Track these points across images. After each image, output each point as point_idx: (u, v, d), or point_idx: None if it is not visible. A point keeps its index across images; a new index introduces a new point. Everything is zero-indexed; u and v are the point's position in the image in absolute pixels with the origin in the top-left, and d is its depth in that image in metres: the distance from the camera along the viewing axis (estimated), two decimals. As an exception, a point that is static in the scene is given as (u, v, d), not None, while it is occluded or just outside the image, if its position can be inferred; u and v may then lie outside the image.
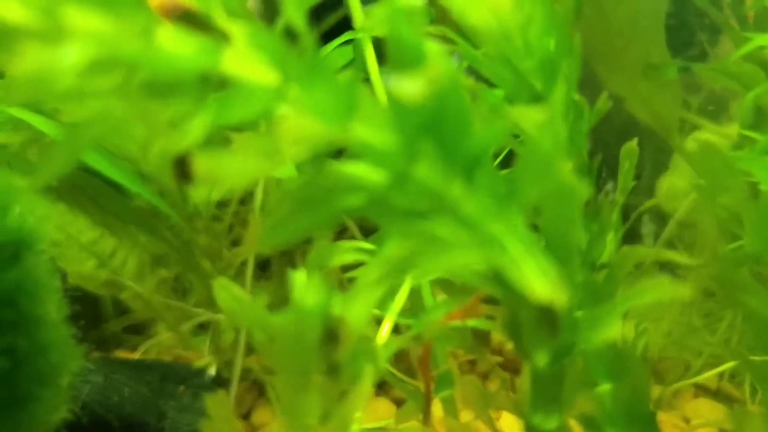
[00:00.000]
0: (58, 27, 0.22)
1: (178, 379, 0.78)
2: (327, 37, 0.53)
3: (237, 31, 0.23)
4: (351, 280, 0.26)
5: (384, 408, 0.84)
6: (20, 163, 0.77)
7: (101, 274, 0.87)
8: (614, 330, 0.26)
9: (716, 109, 0.90)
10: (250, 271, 0.82)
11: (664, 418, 0.79)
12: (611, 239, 0.31)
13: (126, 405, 0.70)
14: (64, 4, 0.22)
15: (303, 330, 0.29)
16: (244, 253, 0.89)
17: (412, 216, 0.25)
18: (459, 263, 0.25)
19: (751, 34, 0.53)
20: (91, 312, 1.03)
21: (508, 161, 0.27)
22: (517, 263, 0.24)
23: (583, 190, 0.27)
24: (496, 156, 0.27)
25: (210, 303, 0.89)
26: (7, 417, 0.40)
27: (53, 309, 0.40)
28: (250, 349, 0.88)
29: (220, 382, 0.84)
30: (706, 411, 0.82)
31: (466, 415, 0.55)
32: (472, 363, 0.94)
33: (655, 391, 0.84)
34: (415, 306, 0.41)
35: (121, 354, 1.05)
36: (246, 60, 0.23)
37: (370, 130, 0.24)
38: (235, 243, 0.92)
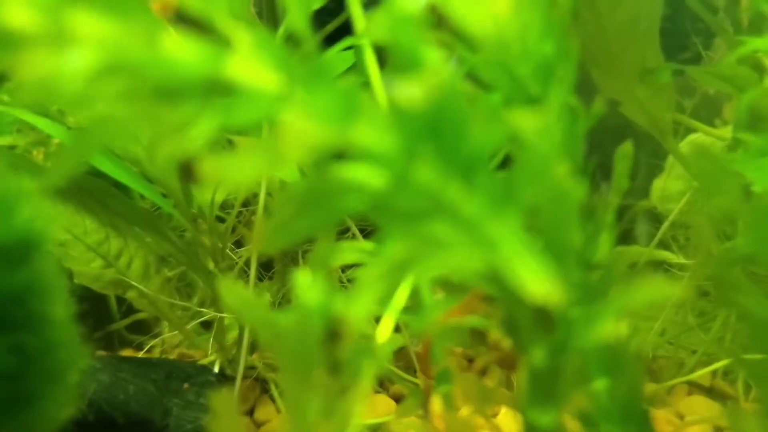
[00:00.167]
0: (65, 32, 0.22)
1: (183, 377, 0.79)
2: (329, 41, 0.53)
3: (241, 36, 0.24)
4: (351, 280, 0.26)
5: (384, 404, 0.84)
6: (27, 164, 0.78)
7: (107, 274, 0.88)
8: (608, 327, 0.27)
9: (710, 112, 0.91)
10: (253, 270, 0.83)
11: (658, 414, 0.80)
12: (606, 239, 0.32)
13: (131, 402, 0.71)
14: (71, 10, 0.22)
15: (305, 328, 0.30)
16: (247, 253, 0.89)
17: (412, 217, 0.25)
18: (457, 263, 0.25)
19: (745, 38, 0.54)
20: (97, 311, 1.04)
21: (505, 164, 0.28)
22: (513, 263, 0.24)
23: (579, 191, 0.28)
24: (493, 158, 0.28)
25: (214, 302, 0.90)
26: (15, 414, 0.40)
27: (61, 308, 0.41)
28: (253, 347, 0.88)
29: (224, 379, 0.85)
30: (700, 408, 0.83)
31: (464, 411, 0.55)
32: (470, 360, 0.94)
33: (650, 388, 0.85)
34: (414, 304, 0.41)
35: (127, 352, 1.06)
36: (250, 65, 0.24)
37: (370, 134, 0.24)
38: (239, 243, 0.93)
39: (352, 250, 0.38)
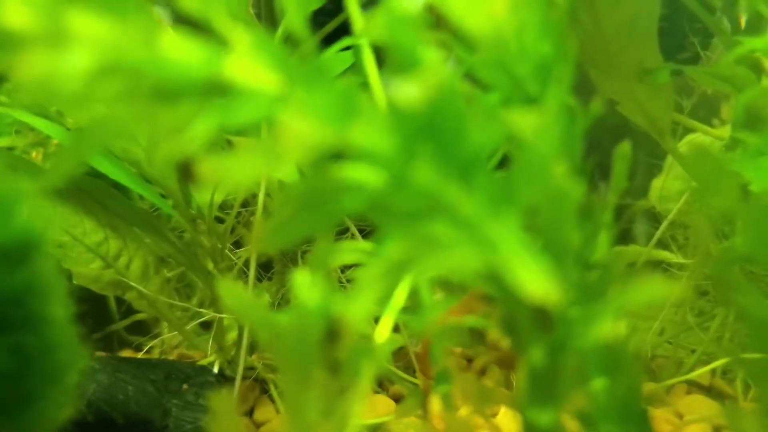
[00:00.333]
0: (63, 32, 0.22)
1: (182, 378, 0.79)
2: (327, 42, 0.53)
3: (239, 36, 0.24)
4: (351, 280, 0.26)
5: (384, 404, 0.85)
6: (26, 165, 0.78)
7: (106, 275, 0.88)
8: (607, 327, 0.27)
9: (709, 112, 0.91)
10: (252, 271, 0.83)
11: (657, 414, 0.80)
12: (604, 239, 0.32)
13: (131, 403, 0.71)
14: (69, 10, 0.22)
15: (305, 329, 0.30)
16: (246, 253, 0.89)
17: (411, 217, 0.25)
18: (456, 263, 0.25)
19: (743, 38, 0.54)
20: (96, 312, 1.04)
21: (504, 164, 0.28)
22: (512, 263, 0.24)
23: (577, 191, 0.28)
24: (492, 158, 0.28)
25: (213, 303, 0.90)
26: (14, 414, 0.40)
27: (60, 309, 0.41)
28: (252, 348, 0.88)
29: (224, 380, 0.85)
30: (699, 407, 0.83)
31: (464, 411, 0.55)
32: (470, 360, 0.95)
33: (649, 387, 0.85)
34: (414, 304, 0.41)
35: (126, 353, 1.06)
36: (248, 65, 0.24)
37: (369, 134, 0.24)
38: (238, 244, 0.93)
39: (351, 250, 0.38)
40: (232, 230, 0.91)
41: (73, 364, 0.42)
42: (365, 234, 0.88)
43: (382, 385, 0.90)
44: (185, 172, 0.23)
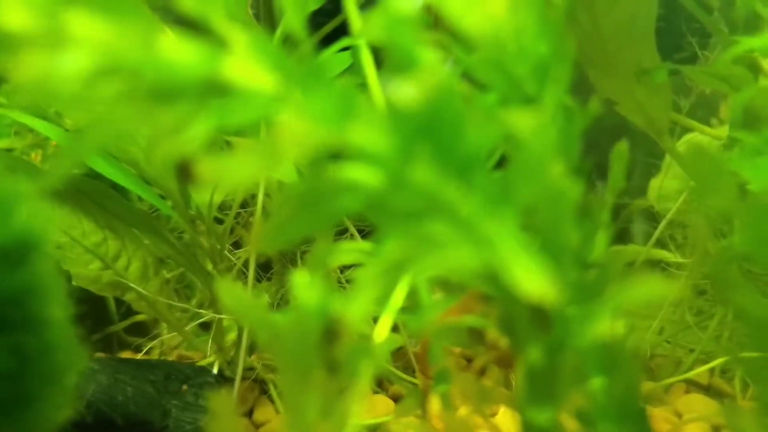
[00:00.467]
0: (61, 34, 0.22)
1: (182, 378, 0.79)
2: (326, 42, 0.53)
3: (237, 37, 0.24)
4: (350, 280, 0.26)
5: (383, 404, 0.85)
6: (25, 167, 0.78)
7: (105, 276, 0.88)
8: (604, 326, 0.27)
9: (707, 112, 0.91)
10: (252, 271, 0.83)
11: (656, 413, 0.80)
12: (602, 238, 0.32)
13: (130, 404, 0.71)
14: (67, 11, 0.22)
15: (304, 329, 0.30)
16: (246, 254, 0.89)
17: (409, 217, 0.25)
18: (454, 262, 0.26)
19: (740, 37, 0.54)
20: (95, 313, 1.04)
21: (502, 164, 0.28)
22: (510, 262, 0.24)
23: (575, 191, 0.28)
24: (490, 158, 0.28)
25: (213, 303, 0.90)
26: (13, 416, 0.40)
27: (59, 310, 0.41)
28: (252, 348, 0.88)
29: (223, 380, 0.85)
30: (698, 406, 0.83)
31: (463, 411, 0.55)
32: (469, 359, 0.95)
33: (648, 387, 0.85)
34: (412, 304, 0.42)
35: (126, 354, 1.06)
36: (246, 66, 0.24)
37: (367, 134, 0.24)
38: (237, 244, 0.93)
39: (350, 250, 0.38)
40: (231, 231, 0.91)
41: (72, 365, 0.42)
42: (364, 234, 0.88)
43: (381, 385, 0.90)
44: (184, 172, 0.23)
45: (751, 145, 0.41)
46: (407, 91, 0.24)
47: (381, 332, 0.38)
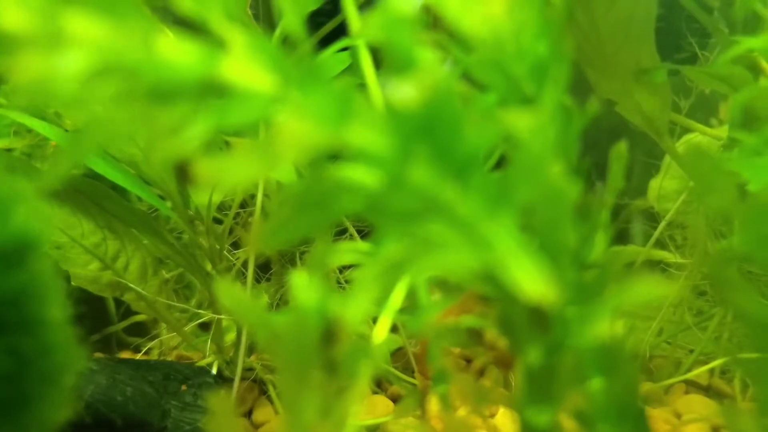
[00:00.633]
0: (60, 34, 0.22)
1: (181, 379, 0.79)
2: (325, 42, 0.53)
3: (235, 38, 0.24)
4: (350, 281, 0.26)
5: (383, 404, 0.85)
6: (24, 167, 0.78)
7: (105, 277, 0.88)
8: (603, 327, 0.27)
9: (707, 112, 0.91)
10: (251, 272, 0.83)
11: (656, 413, 0.80)
12: (601, 239, 0.32)
13: (129, 404, 0.71)
14: (66, 12, 0.22)
15: (302, 329, 0.30)
16: (245, 254, 0.89)
17: (407, 217, 0.25)
18: (453, 263, 0.26)
19: (740, 38, 0.54)
20: (95, 314, 1.04)
21: (500, 164, 0.28)
22: (508, 263, 0.24)
23: (573, 191, 0.28)
24: (489, 159, 0.28)
25: (212, 304, 0.90)
26: (12, 417, 0.40)
27: (57, 311, 0.41)
28: (251, 349, 0.88)
29: (222, 381, 0.85)
30: (698, 407, 0.83)
31: (463, 411, 0.55)
32: (469, 360, 0.95)
33: (648, 387, 0.85)
34: (411, 305, 0.42)
35: (125, 354, 1.06)
36: (244, 66, 0.24)
37: (365, 135, 0.24)
38: (236, 245, 0.93)
39: (349, 250, 0.38)
40: (231, 231, 0.91)
41: (70, 366, 0.41)
42: (364, 234, 0.88)
43: (380, 385, 0.90)
44: (183, 173, 0.23)
45: (750, 145, 0.41)
46: (406, 92, 0.24)
47: (380, 333, 0.38)
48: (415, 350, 0.88)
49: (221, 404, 0.33)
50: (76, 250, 0.86)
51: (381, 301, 0.37)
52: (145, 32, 0.23)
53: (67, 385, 0.42)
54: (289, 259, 0.96)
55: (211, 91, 0.24)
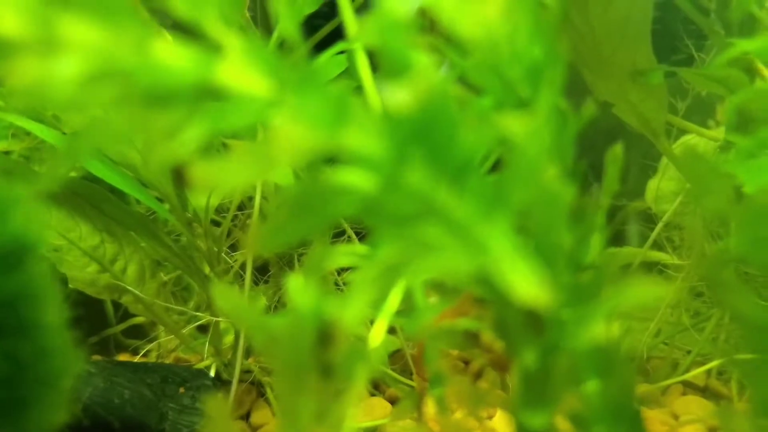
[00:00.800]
0: (55, 39, 0.22)
1: (179, 381, 0.79)
2: (322, 45, 0.54)
3: (231, 42, 0.24)
4: (348, 283, 0.26)
5: (380, 407, 0.85)
6: (22, 170, 0.78)
7: (102, 279, 0.88)
8: (599, 329, 0.27)
9: (703, 114, 0.91)
10: (249, 274, 0.83)
11: (653, 415, 0.80)
12: (597, 240, 0.32)
13: (127, 407, 0.71)
14: (62, 16, 0.22)
15: (299, 332, 0.30)
16: (243, 257, 0.89)
17: (403, 220, 0.25)
18: (449, 266, 0.26)
19: (736, 40, 0.54)
20: (92, 316, 1.04)
21: (496, 167, 0.28)
22: (503, 265, 0.25)
23: (569, 193, 0.28)
24: (484, 162, 0.28)
25: (210, 306, 0.90)
26: (10, 420, 0.40)
27: (54, 314, 0.41)
28: (249, 351, 0.88)
29: (220, 383, 0.85)
30: (695, 408, 0.83)
31: (459, 414, 0.55)
32: (466, 362, 0.95)
33: (645, 388, 0.85)
34: (408, 307, 0.42)
35: (123, 357, 1.06)
36: (240, 71, 0.24)
37: (361, 138, 0.24)
38: (234, 247, 0.93)
39: (347, 253, 0.38)
40: (229, 234, 0.91)
41: (68, 369, 0.42)
42: (362, 236, 0.88)
43: (378, 387, 0.90)
44: (181, 176, 0.23)
45: (745, 147, 0.41)
46: (401, 95, 0.24)
47: (377, 335, 0.38)
48: (413, 352, 0.88)
49: (219, 407, 0.33)
50: (74, 253, 0.86)
51: (378, 303, 0.37)
52: (142, 36, 0.23)
53: (65, 387, 0.42)
54: (287, 261, 0.97)
55: (208, 94, 0.24)
